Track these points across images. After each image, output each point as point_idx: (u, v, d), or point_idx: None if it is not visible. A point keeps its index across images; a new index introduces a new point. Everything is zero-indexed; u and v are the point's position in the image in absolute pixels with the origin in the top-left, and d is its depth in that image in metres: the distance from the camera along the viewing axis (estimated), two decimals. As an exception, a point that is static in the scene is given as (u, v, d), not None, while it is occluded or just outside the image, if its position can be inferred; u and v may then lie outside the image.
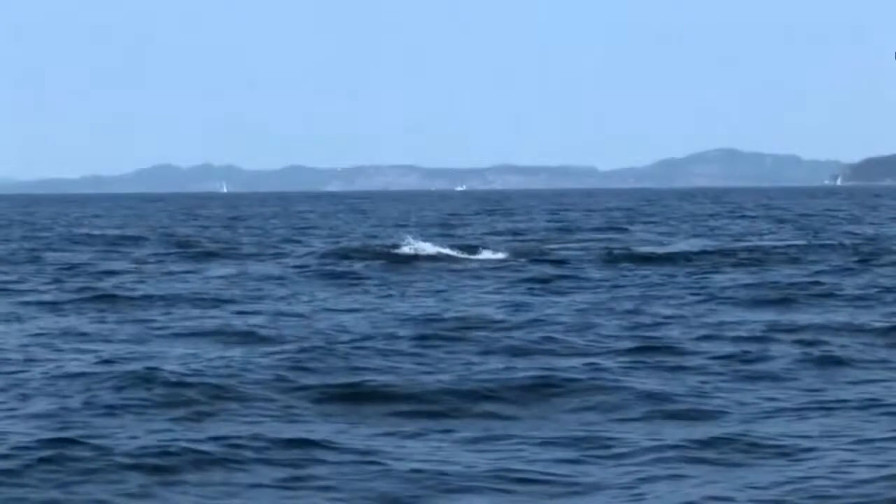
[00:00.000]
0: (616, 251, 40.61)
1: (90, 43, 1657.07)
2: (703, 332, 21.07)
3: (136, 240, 55.33)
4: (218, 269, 35.93)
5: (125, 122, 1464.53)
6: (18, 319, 24.08)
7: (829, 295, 27.21)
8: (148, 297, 27.63)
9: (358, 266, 35.82)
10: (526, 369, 16.82)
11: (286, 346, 19.09)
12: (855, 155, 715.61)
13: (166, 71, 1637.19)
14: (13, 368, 17.47)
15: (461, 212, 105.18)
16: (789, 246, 43.60)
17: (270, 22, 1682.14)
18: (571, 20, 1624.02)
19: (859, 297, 26.76)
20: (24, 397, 15.34)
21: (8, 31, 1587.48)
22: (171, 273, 35.29)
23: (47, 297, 28.16)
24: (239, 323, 22.68)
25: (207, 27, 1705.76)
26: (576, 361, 17.66)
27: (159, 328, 22.30)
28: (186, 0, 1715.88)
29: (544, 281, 31.28)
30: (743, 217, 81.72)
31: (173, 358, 18.07)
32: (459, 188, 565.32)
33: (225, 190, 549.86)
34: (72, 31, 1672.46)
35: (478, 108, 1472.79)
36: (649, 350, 18.84)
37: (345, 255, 39.55)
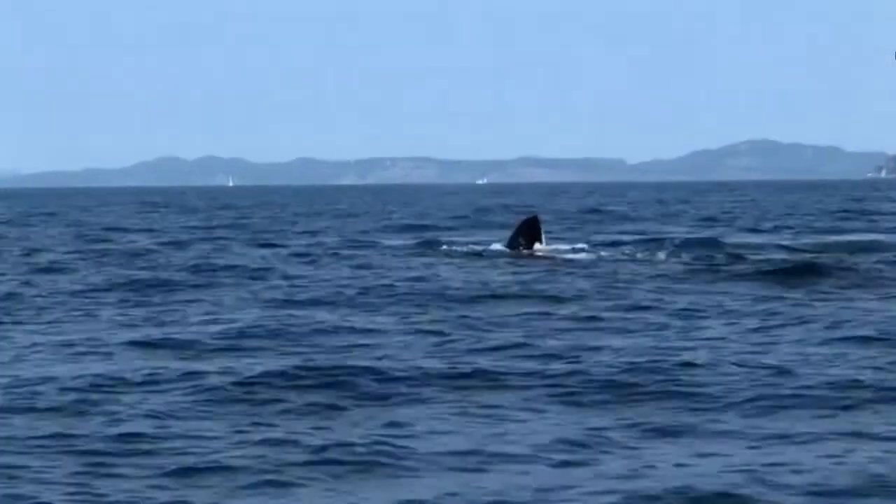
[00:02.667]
0: None
1: (91, 32, 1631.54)
2: None
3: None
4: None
5: (129, 112, 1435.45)
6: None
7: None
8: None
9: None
10: None
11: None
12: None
13: (172, 58, 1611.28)
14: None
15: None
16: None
17: (278, 10, 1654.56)
18: (595, 6, 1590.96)
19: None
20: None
21: (8, 23, 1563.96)
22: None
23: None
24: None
25: (212, 17, 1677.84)
26: None
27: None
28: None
29: None
30: None
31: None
32: (480, 181, 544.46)
33: (231, 184, 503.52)
34: (70, 22, 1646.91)
35: (498, 97, 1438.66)
36: None
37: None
